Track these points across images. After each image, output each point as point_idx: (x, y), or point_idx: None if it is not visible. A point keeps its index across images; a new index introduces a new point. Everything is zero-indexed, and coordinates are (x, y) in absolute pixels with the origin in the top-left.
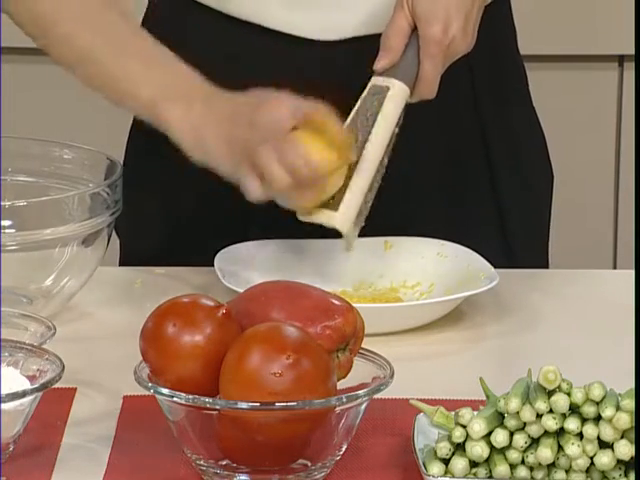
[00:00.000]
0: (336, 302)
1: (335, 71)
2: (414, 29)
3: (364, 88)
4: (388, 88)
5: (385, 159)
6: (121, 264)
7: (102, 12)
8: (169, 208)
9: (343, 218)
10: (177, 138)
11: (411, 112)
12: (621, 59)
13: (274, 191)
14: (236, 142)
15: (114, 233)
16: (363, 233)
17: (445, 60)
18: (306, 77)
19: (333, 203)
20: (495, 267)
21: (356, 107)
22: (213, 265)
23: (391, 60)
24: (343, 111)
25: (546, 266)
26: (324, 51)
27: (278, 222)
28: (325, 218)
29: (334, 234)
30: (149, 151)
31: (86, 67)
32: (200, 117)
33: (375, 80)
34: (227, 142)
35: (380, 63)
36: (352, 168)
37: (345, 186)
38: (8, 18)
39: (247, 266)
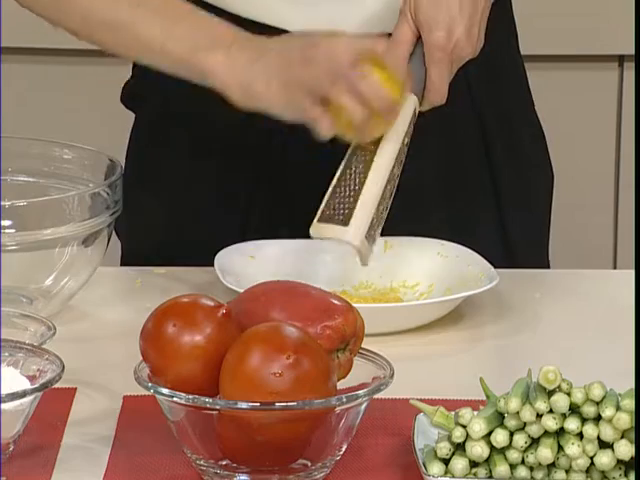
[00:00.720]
0: (336, 302)
1: None
2: (419, 37)
3: None
4: None
5: (397, 170)
6: (122, 264)
7: None
8: (170, 208)
9: (354, 232)
10: (222, 86)
11: None
12: (621, 59)
13: (345, 124)
14: (293, 82)
15: (114, 233)
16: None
17: (451, 65)
18: None
19: (344, 218)
20: (495, 267)
21: None
22: (213, 265)
23: None
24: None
25: (547, 266)
26: None
27: (278, 222)
28: (336, 233)
29: None
30: (150, 152)
31: (112, 33)
32: (246, 62)
33: None
34: (282, 83)
35: None
36: (362, 181)
37: (355, 200)
38: (8, 19)
39: (247, 266)
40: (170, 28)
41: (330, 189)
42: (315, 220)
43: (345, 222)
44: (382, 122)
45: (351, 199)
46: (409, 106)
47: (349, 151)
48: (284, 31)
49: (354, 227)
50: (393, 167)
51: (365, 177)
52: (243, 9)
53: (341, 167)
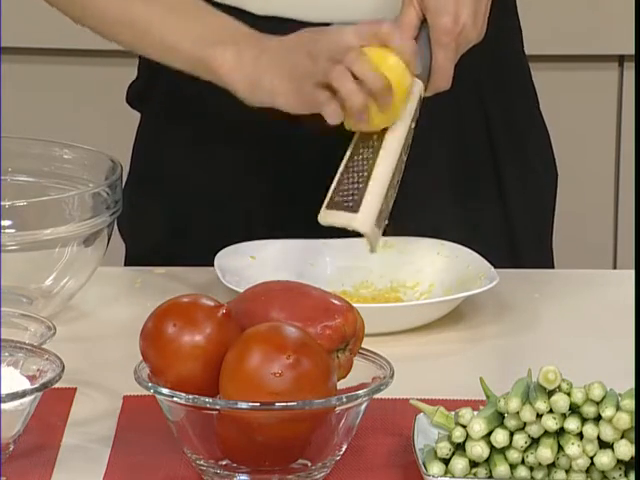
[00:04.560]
0: (336, 302)
1: None
2: (423, 21)
3: None
4: None
5: (404, 156)
6: (126, 265)
7: None
8: (171, 208)
9: (364, 219)
10: (230, 84)
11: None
12: (621, 59)
13: (350, 109)
14: (300, 75)
15: (117, 234)
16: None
17: (457, 49)
18: None
19: (353, 205)
20: (500, 266)
21: None
22: (213, 265)
23: None
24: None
25: (551, 265)
26: None
27: (279, 223)
28: (345, 220)
29: (335, 235)
30: (154, 152)
31: (127, 31)
32: (253, 59)
33: None
34: (289, 77)
35: None
36: (370, 167)
37: (364, 186)
38: (8, 19)
39: (247, 266)
40: (182, 26)
41: (337, 176)
42: (323, 207)
43: (354, 209)
44: (384, 109)
45: (360, 185)
46: (415, 90)
47: (355, 137)
48: (297, 21)
49: (364, 214)
50: (401, 153)
51: (373, 163)
52: (252, 3)
53: (348, 153)
